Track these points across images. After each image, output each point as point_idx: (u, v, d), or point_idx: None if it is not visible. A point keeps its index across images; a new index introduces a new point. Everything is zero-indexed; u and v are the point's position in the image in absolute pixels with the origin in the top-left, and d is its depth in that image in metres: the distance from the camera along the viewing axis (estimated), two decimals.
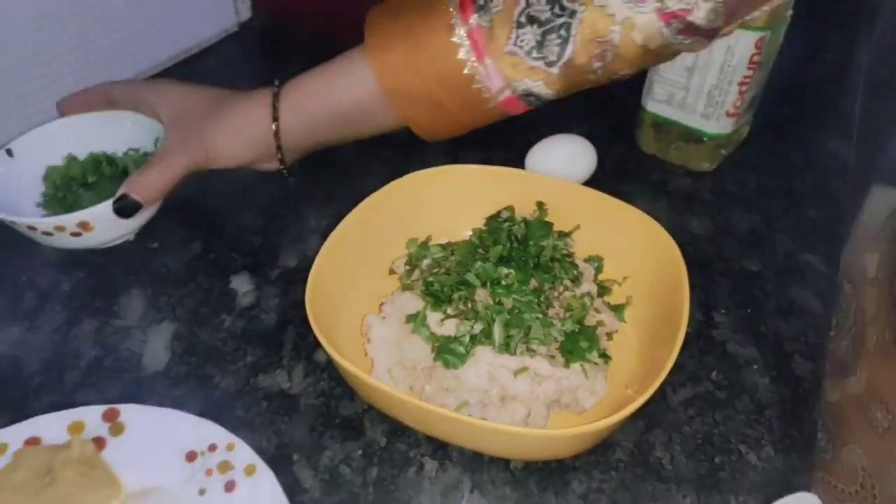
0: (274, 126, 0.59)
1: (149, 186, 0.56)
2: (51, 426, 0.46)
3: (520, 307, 0.46)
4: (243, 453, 0.44)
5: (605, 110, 0.80)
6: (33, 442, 0.45)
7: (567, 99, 0.82)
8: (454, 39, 0.53)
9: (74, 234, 0.56)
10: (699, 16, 0.51)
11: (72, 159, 0.65)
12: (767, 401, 0.50)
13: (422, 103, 0.56)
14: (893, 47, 0.58)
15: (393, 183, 0.56)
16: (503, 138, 0.75)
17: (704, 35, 0.54)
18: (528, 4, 0.52)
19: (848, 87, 0.84)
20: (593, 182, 0.66)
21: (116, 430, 0.46)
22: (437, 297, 0.47)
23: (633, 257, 0.54)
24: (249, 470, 0.44)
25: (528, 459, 0.45)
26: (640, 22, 0.51)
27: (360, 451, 0.47)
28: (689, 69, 0.66)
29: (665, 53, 0.56)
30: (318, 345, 0.53)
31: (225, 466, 0.44)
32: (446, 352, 0.45)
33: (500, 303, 0.47)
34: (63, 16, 0.72)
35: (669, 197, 0.68)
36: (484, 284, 0.48)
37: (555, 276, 0.49)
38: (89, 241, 0.58)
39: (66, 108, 0.66)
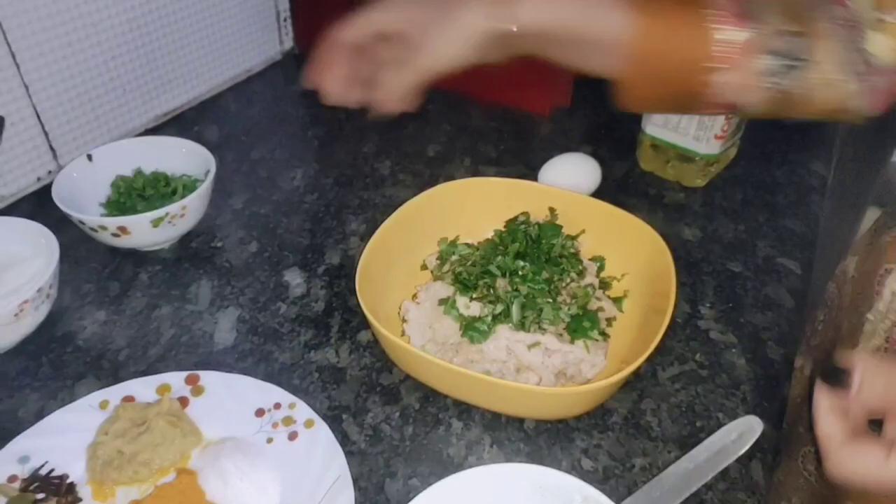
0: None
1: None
2: (143, 387, 0.56)
3: (533, 293, 0.56)
4: (303, 410, 0.54)
5: (610, 133, 0.90)
6: (129, 399, 0.55)
7: (574, 122, 0.92)
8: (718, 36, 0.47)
9: (115, 235, 0.66)
10: None
11: (139, 172, 0.75)
12: (743, 378, 0.59)
13: (656, 72, 0.49)
14: None
15: (426, 192, 0.65)
16: (520, 156, 0.86)
17: None
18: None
19: None
20: (598, 195, 0.75)
21: (197, 391, 0.56)
22: (464, 284, 0.57)
23: (631, 258, 0.63)
24: (308, 423, 0.53)
25: (539, 418, 0.54)
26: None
27: (397, 413, 0.56)
28: None
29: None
30: (360, 328, 0.63)
31: (288, 421, 0.53)
32: (472, 329, 0.55)
33: (516, 290, 0.56)
34: (135, 46, 0.83)
35: (665, 208, 0.77)
36: (504, 274, 0.57)
37: (563, 269, 0.58)
38: (127, 242, 0.67)
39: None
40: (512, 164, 0.84)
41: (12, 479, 0.49)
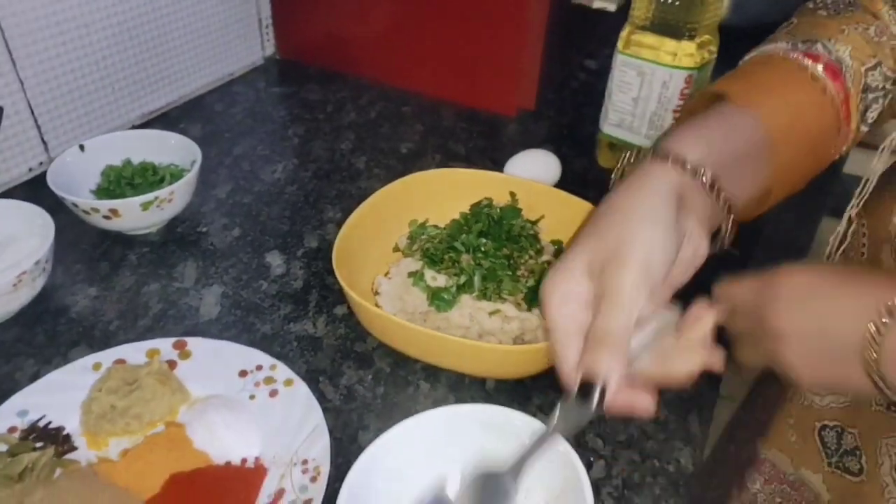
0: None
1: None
2: (133, 352, 0.60)
3: (494, 267, 0.61)
4: (283, 371, 0.59)
5: (571, 133, 0.97)
6: (120, 362, 0.59)
7: (538, 123, 0.99)
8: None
9: (106, 217, 0.71)
10: None
11: (127, 162, 0.80)
12: None
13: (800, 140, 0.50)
14: None
15: (399, 180, 0.71)
16: (487, 154, 0.92)
17: None
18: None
19: None
20: (558, 188, 0.81)
21: (184, 355, 0.60)
22: (431, 259, 0.63)
23: None
24: (288, 382, 0.58)
25: (498, 377, 0.60)
26: None
27: (370, 376, 0.61)
28: (634, 100, 0.82)
29: None
30: (336, 303, 0.68)
31: (269, 380, 0.58)
32: (438, 299, 0.60)
33: (479, 264, 0.62)
34: (126, 47, 0.89)
35: None
36: (467, 250, 0.63)
37: (522, 246, 0.64)
38: (118, 225, 0.72)
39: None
40: (479, 161, 0.90)
41: (12, 429, 0.53)
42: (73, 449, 0.53)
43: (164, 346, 0.61)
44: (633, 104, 0.82)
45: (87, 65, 0.85)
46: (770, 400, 0.72)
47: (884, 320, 0.36)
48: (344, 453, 0.54)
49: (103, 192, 0.77)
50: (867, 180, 0.56)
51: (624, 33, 0.80)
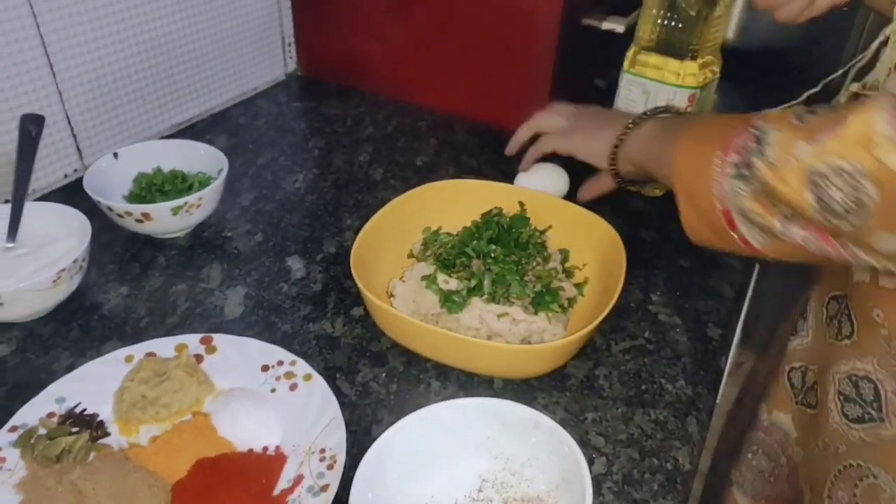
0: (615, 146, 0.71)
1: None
2: (163, 346, 0.64)
3: (503, 271, 0.65)
4: (302, 367, 0.62)
5: None
6: (151, 355, 0.63)
7: None
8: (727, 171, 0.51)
9: (138, 221, 0.75)
10: None
11: (158, 170, 0.84)
12: (684, 352, 0.68)
13: (697, 204, 0.56)
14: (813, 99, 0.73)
15: (414, 190, 0.75)
16: (498, 167, 0.95)
17: None
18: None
19: None
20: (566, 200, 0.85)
21: (210, 350, 0.64)
22: (444, 263, 0.66)
23: (591, 250, 0.72)
24: (307, 377, 0.61)
25: (506, 376, 0.63)
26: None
27: (384, 374, 0.64)
28: None
29: None
30: (353, 305, 0.71)
31: (289, 375, 0.62)
32: (449, 301, 0.64)
33: (489, 269, 0.66)
34: (157, 62, 0.93)
35: (627, 214, 0.87)
36: (478, 256, 0.67)
37: (529, 253, 0.68)
38: (149, 228, 0.76)
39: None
40: (491, 174, 0.93)
41: (51, 415, 0.57)
42: (107, 434, 0.57)
43: (192, 341, 0.65)
44: None
45: (122, 78, 0.90)
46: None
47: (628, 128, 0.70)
48: (359, 444, 0.57)
49: (135, 197, 0.81)
50: None
51: (630, 53, 0.84)
